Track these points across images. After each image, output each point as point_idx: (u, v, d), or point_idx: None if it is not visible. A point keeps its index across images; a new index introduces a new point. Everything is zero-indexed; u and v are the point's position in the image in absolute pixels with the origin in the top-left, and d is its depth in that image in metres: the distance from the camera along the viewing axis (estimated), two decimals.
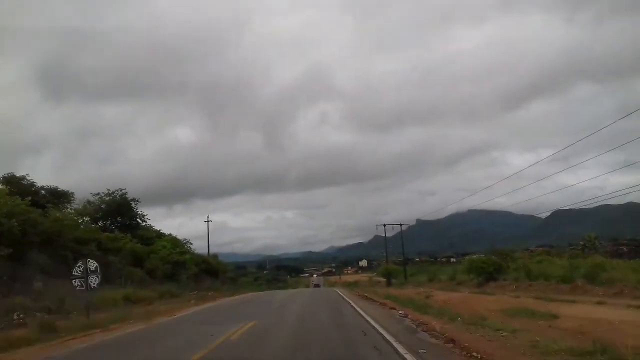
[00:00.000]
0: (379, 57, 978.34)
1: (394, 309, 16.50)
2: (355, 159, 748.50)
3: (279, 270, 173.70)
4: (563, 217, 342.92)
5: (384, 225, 59.67)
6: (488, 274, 27.10)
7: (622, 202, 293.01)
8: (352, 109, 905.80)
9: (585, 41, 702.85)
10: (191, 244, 43.86)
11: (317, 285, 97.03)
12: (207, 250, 53.13)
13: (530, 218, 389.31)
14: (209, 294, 32.08)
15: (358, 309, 17.07)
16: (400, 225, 58.36)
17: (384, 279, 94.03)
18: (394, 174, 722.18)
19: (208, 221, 55.54)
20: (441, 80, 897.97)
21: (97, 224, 32.23)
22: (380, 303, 19.89)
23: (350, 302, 21.74)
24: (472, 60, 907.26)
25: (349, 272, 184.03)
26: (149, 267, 31.48)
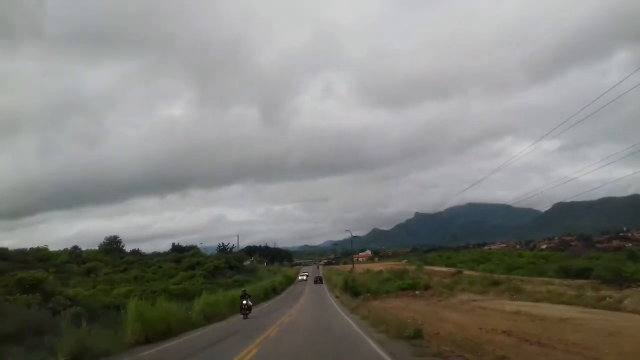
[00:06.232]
0: (392, 22, 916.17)
1: None
2: (361, 142, 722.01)
3: (250, 255, 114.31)
4: (564, 210, 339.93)
5: None
6: None
7: (626, 195, 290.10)
8: (361, 81, 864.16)
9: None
10: None
11: (318, 281, 71.15)
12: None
13: (529, 211, 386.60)
14: None
15: None
16: None
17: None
18: (399, 162, 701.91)
19: None
20: (461, 49, 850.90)
21: None
22: None
23: None
24: (496, 26, 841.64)
25: (361, 259, 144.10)
26: None
